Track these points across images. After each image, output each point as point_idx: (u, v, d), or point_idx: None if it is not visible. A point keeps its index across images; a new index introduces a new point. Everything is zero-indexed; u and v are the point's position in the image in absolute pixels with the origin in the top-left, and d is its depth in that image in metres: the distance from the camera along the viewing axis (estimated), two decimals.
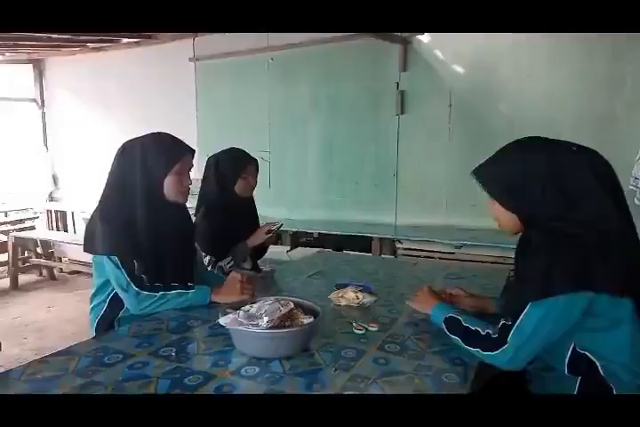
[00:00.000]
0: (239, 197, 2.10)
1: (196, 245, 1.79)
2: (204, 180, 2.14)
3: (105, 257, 1.44)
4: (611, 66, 2.98)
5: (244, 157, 2.10)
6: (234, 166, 2.06)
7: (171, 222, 1.55)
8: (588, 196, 1.03)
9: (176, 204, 1.56)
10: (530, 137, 1.14)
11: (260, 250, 2.24)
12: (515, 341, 1.05)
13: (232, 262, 2.05)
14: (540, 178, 1.05)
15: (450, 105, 3.51)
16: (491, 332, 1.12)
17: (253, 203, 2.28)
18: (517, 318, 1.05)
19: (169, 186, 1.50)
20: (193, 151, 1.55)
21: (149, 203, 1.48)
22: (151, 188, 1.48)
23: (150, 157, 1.47)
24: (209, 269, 2.03)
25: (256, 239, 2.07)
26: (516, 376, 1.21)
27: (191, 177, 1.58)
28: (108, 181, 1.51)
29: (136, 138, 1.52)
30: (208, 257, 2.05)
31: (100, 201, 1.50)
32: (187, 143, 1.56)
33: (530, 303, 1.03)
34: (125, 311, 1.51)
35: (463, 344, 1.18)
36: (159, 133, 1.54)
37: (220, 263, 2.04)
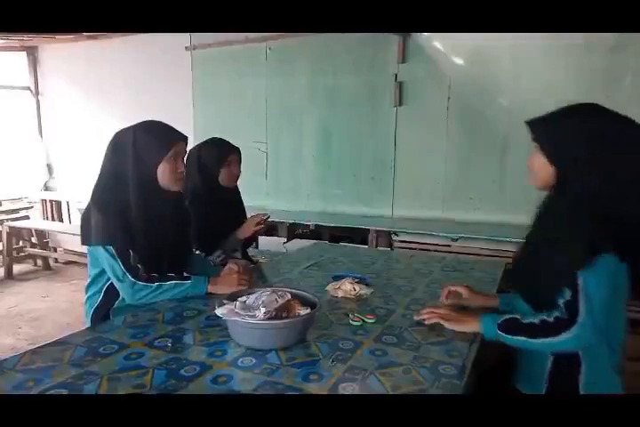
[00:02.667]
0: (223, 187, 2.08)
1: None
2: (187, 171, 2.10)
3: (100, 247, 1.43)
4: (611, 59, 2.97)
5: (226, 145, 2.08)
6: (216, 155, 2.03)
7: (166, 211, 1.54)
8: (631, 174, 1.06)
9: (171, 191, 1.54)
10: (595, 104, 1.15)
11: (249, 239, 2.20)
12: (586, 308, 1.03)
13: (222, 256, 2.02)
14: (597, 142, 1.07)
15: (448, 97, 3.49)
16: (559, 315, 1.09)
17: (238, 193, 2.25)
18: (571, 288, 1.05)
19: (163, 173, 1.48)
20: (185, 137, 1.54)
21: (144, 191, 1.46)
22: (145, 175, 1.46)
23: (142, 145, 1.45)
24: None
25: (246, 231, 2.04)
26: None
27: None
28: (101, 171, 1.49)
29: (127, 127, 1.50)
30: (197, 251, 2.01)
31: (93, 192, 1.48)
32: (179, 130, 1.54)
33: (581, 271, 1.03)
34: (121, 302, 1.50)
35: (532, 340, 1.11)
36: (150, 121, 1.52)
37: (210, 257, 2.01)
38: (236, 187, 2.21)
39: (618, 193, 1.06)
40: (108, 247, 1.42)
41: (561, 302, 1.08)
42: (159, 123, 1.53)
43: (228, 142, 2.11)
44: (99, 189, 1.48)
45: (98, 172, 1.49)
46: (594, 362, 1.12)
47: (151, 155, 1.46)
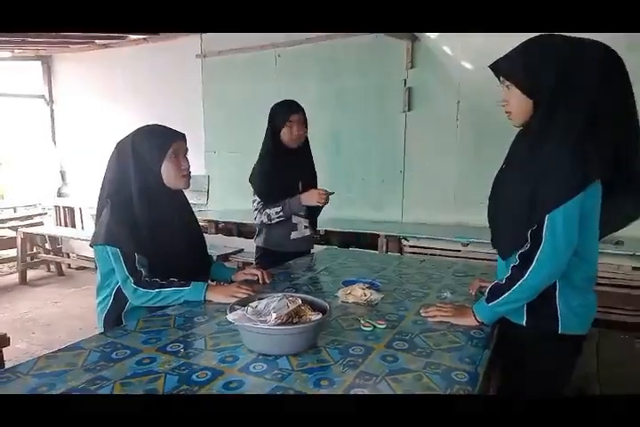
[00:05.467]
0: (286, 145, 2.15)
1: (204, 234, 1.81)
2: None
3: (107, 248, 1.45)
4: (625, 58, 2.92)
5: (290, 105, 2.17)
6: (280, 114, 2.14)
7: (173, 211, 1.56)
8: (604, 93, 1.11)
9: (177, 191, 1.57)
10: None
11: (313, 210, 2.26)
12: (549, 233, 1.10)
13: (281, 213, 2.10)
14: (559, 64, 1.12)
15: (458, 102, 3.48)
16: (522, 251, 1.16)
17: (311, 158, 2.31)
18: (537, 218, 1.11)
19: (167, 172, 1.50)
20: (183, 135, 1.56)
21: (149, 193, 1.49)
22: (150, 177, 1.49)
23: (143, 147, 1.48)
24: (255, 214, 2.13)
25: (309, 198, 2.10)
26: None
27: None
28: (105, 178, 1.52)
29: (126, 135, 1.54)
30: (256, 202, 2.13)
31: (100, 199, 1.51)
32: (176, 129, 1.56)
33: (548, 215, 1.09)
34: (131, 304, 1.51)
35: (515, 288, 1.17)
36: (147, 125, 1.56)
37: (268, 210, 2.10)
38: (307, 148, 2.26)
39: (595, 112, 1.10)
40: (114, 249, 1.44)
41: (528, 233, 1.14)
42: (155, 125, 1.56)
43: (293, 102, 2.17)
44: (105, 195, 1.50)
45: (102, 180, 1.53)
46: (566, 278, 1.18)
47: (152, 155, 1.49)
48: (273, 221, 2.12)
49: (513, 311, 1.25)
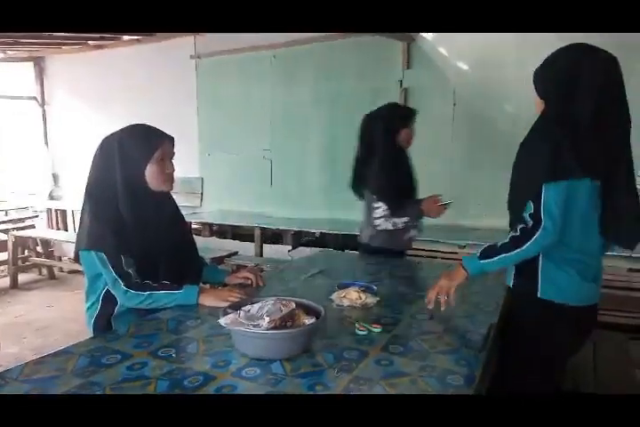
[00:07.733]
0: (402, 149, 2.22)
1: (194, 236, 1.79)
2: (371, 135, 2.25)
3: (92, 253, 1.43)
4: (620, 62, 2.93)
5: (409, 108, 2.27)
6: (403, 116, 2.21)
7: (158, 212, 1.53)
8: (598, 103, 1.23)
9: (161, 193, 1.53)
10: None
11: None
12: (546, 214, 1.22)
13: (407, 222, 2.14)
14: (563, 74, 1.28)
15: (454, 103, 3.48)
16: (523, 226, 1.27)
17: (409, 159, 2.34)
18: (534, 202, 1.23)
19: (151, 175, 1.47)
20: (171, 138, 1.52)
21: (134, 195, 1.45)
22: (134, 179, 1.46)
23: (129, 148, 1.45)
24: (380, 221, 2.14)
25: (431, 211, 2.13)
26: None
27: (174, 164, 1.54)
28: (89, 178, 1.49)
29: (113, 133, 1.50)
30: (382, 209, 2.12)
31: (84, 199, 1.48)
32: (164, 131, 1.52)
33: (544, 186, 1.21)
34: (120, 307, 1.49)
35: (509, 254, 1.28)
36: (135, 125, 1.52)
37: (396, 220, 2.13)
38: (406, 154, 2.28)
39: (594, 119, 1.22)
40: (100, 254, 1.42)
41: (526, 214, 1.26)
42: (143, 125, 1.52)
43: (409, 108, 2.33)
44: (89, 196, 1.48)
45: (86, 179, 1.49)
46: (548, 254, 1.31)
47: (138, 158, 1.46)
48: (396, 227, 2.16)
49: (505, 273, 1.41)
